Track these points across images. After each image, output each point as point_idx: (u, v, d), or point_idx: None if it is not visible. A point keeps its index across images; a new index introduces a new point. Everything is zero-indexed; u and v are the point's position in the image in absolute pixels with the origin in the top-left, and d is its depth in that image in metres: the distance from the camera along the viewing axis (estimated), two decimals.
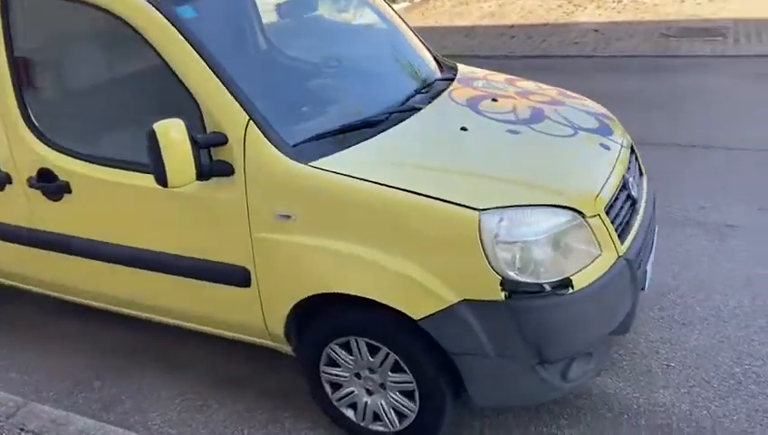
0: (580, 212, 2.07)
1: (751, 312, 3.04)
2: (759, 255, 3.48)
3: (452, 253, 1.98)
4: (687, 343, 2.88)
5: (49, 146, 2.50)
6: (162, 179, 2.05)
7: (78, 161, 2.46)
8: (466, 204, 1.97)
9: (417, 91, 2.74)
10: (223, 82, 2.14)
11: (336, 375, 2.36)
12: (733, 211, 3.96)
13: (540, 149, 2.38)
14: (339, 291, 2.12)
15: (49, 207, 2.58)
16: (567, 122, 2.61)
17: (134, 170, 2.35)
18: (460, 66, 3.21)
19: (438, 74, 3.00)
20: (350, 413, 2.42)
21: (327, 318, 2.25)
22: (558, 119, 2.62)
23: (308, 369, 2.40)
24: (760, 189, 4.20)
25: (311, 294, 2.18)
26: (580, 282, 2.02)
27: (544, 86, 3.12)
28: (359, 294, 2.09)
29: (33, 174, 2.55)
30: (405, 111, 2.51)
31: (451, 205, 1.98)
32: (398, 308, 2.05)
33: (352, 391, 2.36)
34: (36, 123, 2.53)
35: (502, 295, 1.96)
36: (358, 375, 2.32)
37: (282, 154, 2.13)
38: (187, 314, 2.58)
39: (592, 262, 2.07)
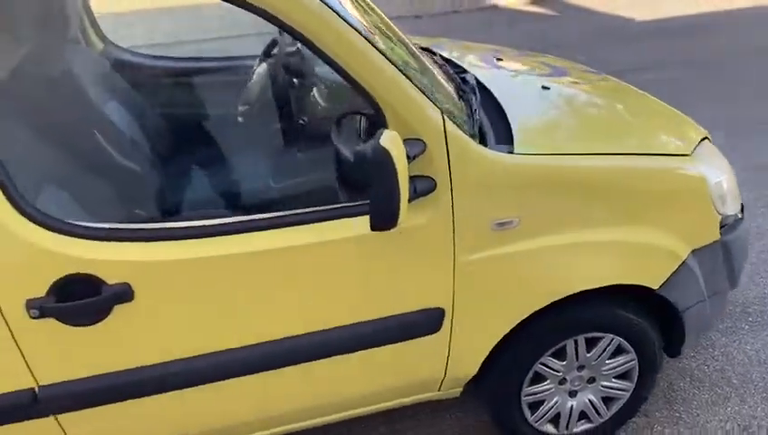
0: (708, 138, 2.17)
1: None
2: None
3: (683, 204, 1.87)
4: None
5: (76, 235, 1.43)
6: (390, 218, 1.41)
7: (147, 245, 1.47)
8: (679, 152, 1.89)
9: None
10: (400, 71, 1.54)
11: (540, 392, 2.02)
12: None
13: (613, 94, 2.38)
14: (578, 290, 1.80)
15: (73, 338, 1.49)
16: (581, 69, 2.64)
17: (280, 226, 1.55)
18: None
19: None
20: (550, 429, 2.11)
21: (542, 330, 1.89)
22: (570, 68, 2.63)
23: (503, 400, 2.00)
24: None
25: (540, 307, 1.80)
26: None
27: (480, 44, 3.07)
28: (598, 286, 1.81)
29: (43, 292, 1.43)
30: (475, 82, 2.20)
31: (672, 157, 1.86)
32: (639, 284, 1.86)
33: (556, 402, 2.06)
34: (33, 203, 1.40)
35: (718, 235, 1.95)
36: (561, 381, 2.03)
37: (488, 150, 1.66)
38: (340, 401, 1.85)
39: None
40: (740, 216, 2.06)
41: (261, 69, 2.54)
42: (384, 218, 1.41)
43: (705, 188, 1.87)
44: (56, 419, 1.58)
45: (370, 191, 1.39)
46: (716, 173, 1.94)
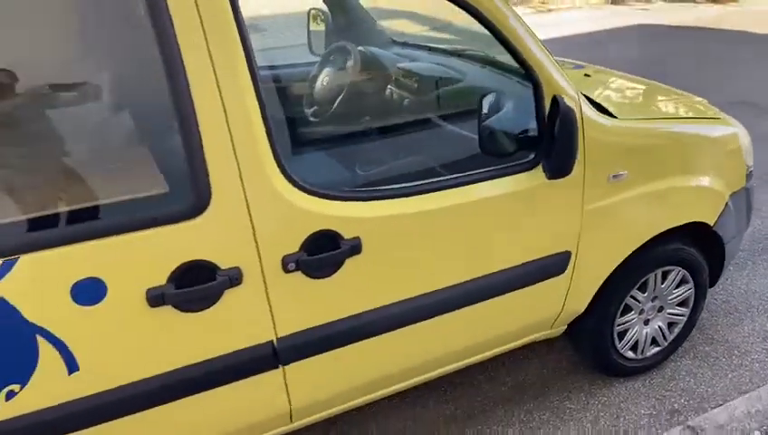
0: None
1: None
2: None
3: (727, 155, 2.37)
4: None
5: (322, 196, 1.63)
6: (570, 166, 1.80)
7: (375, 203, 1.71)
8: (715, 116, 2.41)
9: None
10: (545, 49, 1.91)
11: (627, 322, 2.43)
12: None
13: (629, 78, 2.88)
14: (670, 227, 2.24)
15: (312, 290, 1.69)
16: (584, 63, 3.14)
17: (471, 182, 1.85)
18: None
19: None
20: (631, 354, 2.52)
21: (635, 266, 2.29)
22: (581, 63, 3.12)
23: (601, 332, 2.38)
24: None
25: (642, 243, 2.21)
26: None
27: None
28: (683, 223, 2.26)
29: (296, 248, 1.62)
30: None
31: (715, 119, 2.38)
32: (703, 221, 2.34)
33: (636, 331, 2.48)
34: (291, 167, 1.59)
35: (745, 182, 2.49)
36: (641, 312, 2.46)
37: (605, 118, 2.06)
38: (481, 343, 2.17)
39: None
40: (752, 168, 2.61)
41: (327, 73, 2.80)
42: (565, 166, 1.77)
43: (739, 143, 2.40)
44: (284, 369, 1.75)
45: (556, 144, 1.75)
46: (742, 131, 2.48)
